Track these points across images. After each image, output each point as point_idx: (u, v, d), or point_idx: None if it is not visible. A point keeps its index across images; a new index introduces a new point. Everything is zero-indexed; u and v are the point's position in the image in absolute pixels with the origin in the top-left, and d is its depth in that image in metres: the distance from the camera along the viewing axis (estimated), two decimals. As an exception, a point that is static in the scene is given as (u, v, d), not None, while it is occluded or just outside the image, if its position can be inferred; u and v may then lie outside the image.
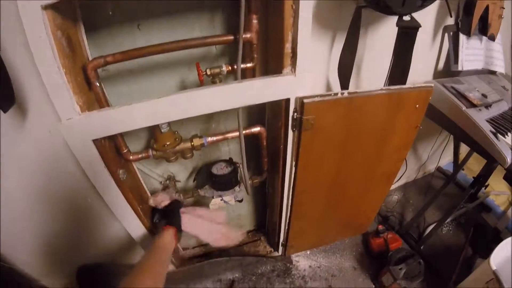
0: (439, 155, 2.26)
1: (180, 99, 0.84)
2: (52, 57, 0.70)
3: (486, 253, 1.96)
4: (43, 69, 0.71)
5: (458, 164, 1.90)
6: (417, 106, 1.17)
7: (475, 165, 2.39)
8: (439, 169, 2.49)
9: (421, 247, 1.95)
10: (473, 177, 1.69)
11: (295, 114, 1.00)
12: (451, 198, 2.23)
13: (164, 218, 1.11)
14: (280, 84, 0.92)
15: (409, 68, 1.13)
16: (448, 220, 2.10)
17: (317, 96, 0.97)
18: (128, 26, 0.93)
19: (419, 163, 2.30)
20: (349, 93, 1.01)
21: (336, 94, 0.99)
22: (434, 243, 2.00)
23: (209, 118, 1.22)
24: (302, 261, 1.87)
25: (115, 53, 0.87)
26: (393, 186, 2.15)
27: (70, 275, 1.38)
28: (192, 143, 1.06)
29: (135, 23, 0.93)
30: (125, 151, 1.02)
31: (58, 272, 1.36)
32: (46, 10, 0.66)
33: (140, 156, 1.06)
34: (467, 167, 2.53)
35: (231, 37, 0.90)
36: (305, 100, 0.95)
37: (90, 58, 0.88)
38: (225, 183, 1.23)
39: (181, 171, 1.36)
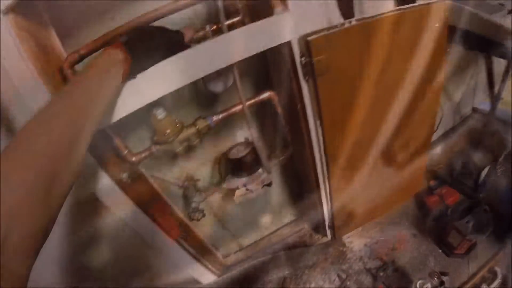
0: (471, 94, 2.06)
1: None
2: (19, 58, 0.64)
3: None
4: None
5: (494, 95, 1.70)
6: (437, 24, 1.02)
7: (509, 95, 2.17)
8: (474, 109, 2.27)
9: (480, 195, 1.74)
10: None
11: (303, 58, 0.86)
12: (497, 136, 2.01)
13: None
14: (274, 26, 0.79)
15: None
16: (501, 159, 1.89)
17: (322, 30, 0.83)
18: (101, 22, 0.85)
19: (454, 106, 2.10)
20: (357, 20, 0.87)
21: (343, 24, 0.85)
22: (492, 187, 1.77)
23: (211, 99, 1.09)
24: (356, 241, 1.68)
25: (87, 43, 0.77)
26: (433, 138, 1.96)
27: None
28: (197, 127, 0.93)
29: (108, 16, 0.85)
30: (125, 152, 0.90)
31: None
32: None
33: (143, 155, 0.93)
34: (503, 102, 2.30)
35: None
36: (309, 38, 0.81)
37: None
38: (246, 167, 1.08)
39: (199, 168, 1.23)
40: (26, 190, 0.38)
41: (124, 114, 0.73)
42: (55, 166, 0.43)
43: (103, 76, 0.58)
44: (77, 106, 0.50)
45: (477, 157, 1.86)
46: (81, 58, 0.77)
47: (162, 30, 0.74)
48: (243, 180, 1.09)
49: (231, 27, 0.82)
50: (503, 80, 1.57)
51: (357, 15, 0.91)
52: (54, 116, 0.47)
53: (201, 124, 0.93)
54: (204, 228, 1.41)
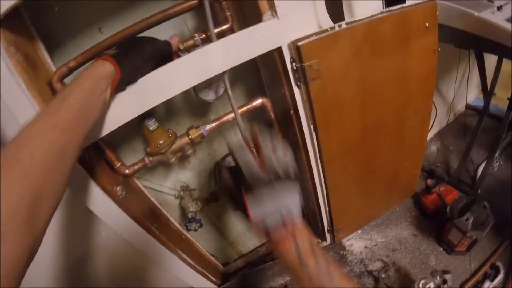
0: (464, 91, 2.07)
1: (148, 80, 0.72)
2: (7, 72, 0.63)
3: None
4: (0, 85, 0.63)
5: (487, 90, 1.70)
6: (427, 24, 1.02)
7: (503, 93, 2.18)
8: (468, 106, 2.28)
9: (478, 191, 1.74)
10: (508, 98, 1.50)
11: (294, 64, 0.85)
12: (491, 133, 2.00)
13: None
14: (264, 33, 0.78)
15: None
16: (496, 155, 1.89)
17: (311, 35, 0.82)
18: (89, 33, 0.85)
19: (447, 103, 2.10)
20: (347, 23, 0.87)
21: (333, 28, 0.85)
22: (490, 183, 1.79)
23: (204, 108, 1.08)
24: (356, 244, 1.67)
25: (75, 56, 0.76)
26: (428, 137, 1.96)
27: None
28: (190, 136, 0.92)
29: (96, 27, 0.85)
30: (118, 165, 0.89)
31: None
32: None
33: (136, 167, 0.92)
34: (496, 98, 2.32)
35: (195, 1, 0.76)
36: (299, 43, 0.80)
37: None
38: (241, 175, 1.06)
39: (194, 177, 1.22)
40: (9, 212, 0.37)
41: (115, 127, 0.72)
42: (39, 186, 0.41)
43: (91, 90, 0.56)
44: (62, 123, 0.48)
45: (473, 153, 1.86)
46: (70, 71, 0.76)
47: (150, 40, 0.73)
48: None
49: (220, 35, 0.81)
50: (495, 76, 1.57)
51: (347, 19, 0.91)
52: (36, 135, 0.45)
53: (194, 133, 0.92)
54: (202, 237, 1.40)
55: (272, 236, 0.60)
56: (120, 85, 0.66)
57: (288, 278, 1.51)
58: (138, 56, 0.69)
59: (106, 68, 0.61)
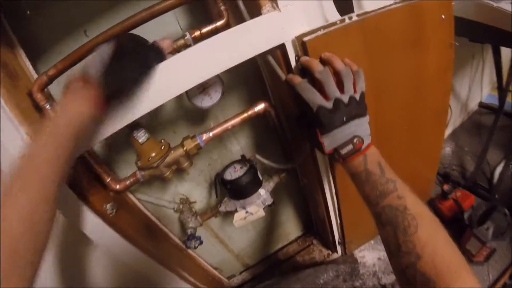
0: (477, 88, 1.97)
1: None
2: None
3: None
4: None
5: (502, 88, 1.60)
6: (443, 16, 0.93)
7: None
8: (481, 104, 2.18)
9: (496, 196, 1.63)
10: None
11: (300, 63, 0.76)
12: (507, 131, 1.90)
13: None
14: (264, 27, 0.68)
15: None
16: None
17: (318, 29, 0.73)
18: (74, 37, 0.78)
19: (461, 102, 2.00)
20: (358, 15, 0.78)
21: (342, 20, 0.75)
22: (507, 186, 1.67)
23: (202, 114, 0.99)
24: (369, 255, 1.56)
25: (55, 63, 0.69)
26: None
27: None
28: (185, 148, 0.82)
29: (81, 30, 0.79)
30: (108, 180, 0.80)
31: None
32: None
33: (128, 182, 0.83)
34: (509, 95, 2.22)
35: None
36: (305, 39, 0.71)
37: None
38: (244, 188, 0.97)
39: (193, 189, 1.13)
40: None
41: (94, 144, 0.64)
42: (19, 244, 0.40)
43: (67, 127, 0.48)
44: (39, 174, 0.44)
45: (489, 154, 1.75)
46: (50, 80, 0.69)
47: (141, 55, 0.60)
48: (242, 202, 0.99)
49: (214, 32, 0.73)
50: (510, 72, 1.48)
51: (356, 10, 0.82)
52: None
53: (189, 144, 0.82)
54: (205, 251, 1.31)
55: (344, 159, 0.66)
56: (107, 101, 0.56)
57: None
58: (122, 67, 0.58)
59: (81, 91, 0.52)
